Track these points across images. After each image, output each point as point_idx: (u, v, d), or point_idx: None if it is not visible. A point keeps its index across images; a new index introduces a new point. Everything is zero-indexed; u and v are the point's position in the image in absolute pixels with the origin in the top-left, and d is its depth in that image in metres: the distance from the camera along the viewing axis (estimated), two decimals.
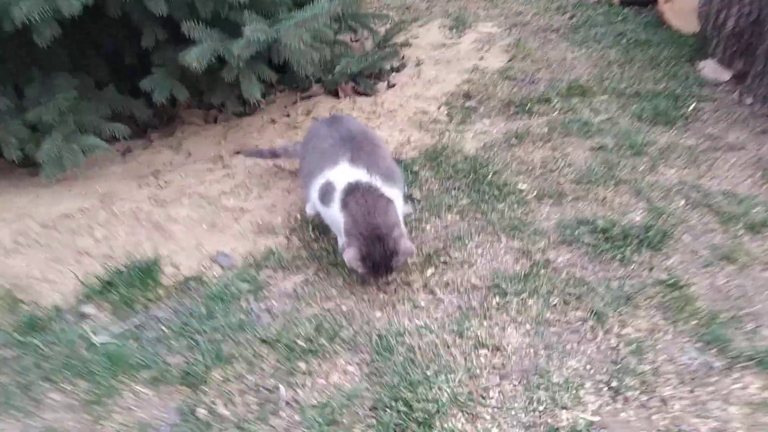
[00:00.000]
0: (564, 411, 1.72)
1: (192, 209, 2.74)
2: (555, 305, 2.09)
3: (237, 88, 3.21)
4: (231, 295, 2.23)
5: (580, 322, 2.02)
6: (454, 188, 2.77)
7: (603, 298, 2.09)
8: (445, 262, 2.33)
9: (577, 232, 2.39)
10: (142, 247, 2.48)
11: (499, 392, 1.81)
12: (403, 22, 4.73)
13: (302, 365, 1.94)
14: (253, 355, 1.97)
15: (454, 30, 4.69)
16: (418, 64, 4.18)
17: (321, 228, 2.54)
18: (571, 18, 4.61)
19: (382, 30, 4.29)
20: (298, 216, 2.65)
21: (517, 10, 5.02)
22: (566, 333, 2.00)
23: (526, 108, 3.38)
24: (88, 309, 2.23)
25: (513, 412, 1.75)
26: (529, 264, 2.27)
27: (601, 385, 1.80)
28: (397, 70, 4.13)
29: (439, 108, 3.53)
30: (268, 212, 2.71)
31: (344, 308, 2.16)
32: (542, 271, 2.22)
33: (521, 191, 2.69)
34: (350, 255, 2.07)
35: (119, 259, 2.43)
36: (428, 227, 2.54)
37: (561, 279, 2.19)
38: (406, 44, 4.42)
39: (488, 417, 1.74)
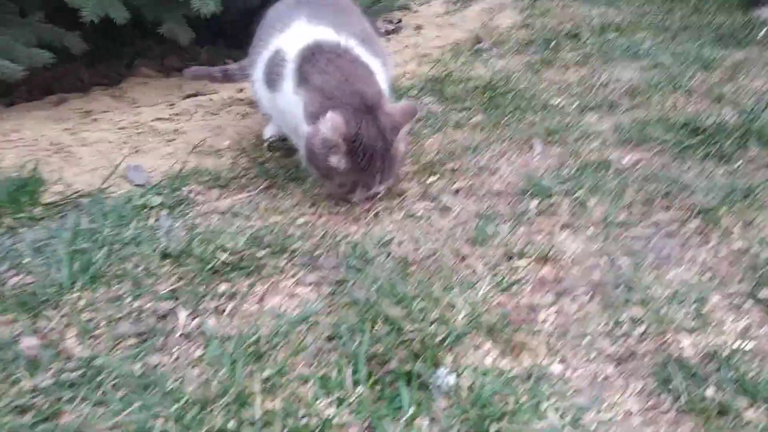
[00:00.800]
0: (685, 335, 0.93)
1: (111, 133, 2.02)
2: (631, 205, 1.33)
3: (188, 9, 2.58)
4: (134, 210, 1.47)
5: (677, 224, 1.26)
6: (465, 108, 2.05)
7: (707, 194, 1.33)
8: (453, 170, 1.58)
9: (646, 130, 1.65)
10: (29, 170, 1.75)
11: (555, 313, 1.03)
12: None
13: (223, 287, 1.16)
14: (146, 272, 1.20)
15: (459, 3, 4.12)
16: (418, 28, 3.57)
17: (284, 149, 1.82)
18: None
19: None
20: (253, 140, 1.93)
21: None
22: (657, 237, 1.23)
23: (550, 45, 2.71)
24: None
25: (586, 340, 0.96)
26: (580, 164, 1.51)
27: (738, 299, 1.02)
28: (394, 32, 3.52)
29: (442, 53, 2.87)
30: (213, 134, 1.99)
31: (301, 221, 1.40)
32: (601, 171, 1.47)
33: (556, 105, 1.97)
34: (331, 124, 1.30)
35: None
36: (428, 142, 1.80)
37: (633, 177, 1.44)
38: (404, 7, 3.84)
39: (541, 347, 0.95)
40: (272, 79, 1.54)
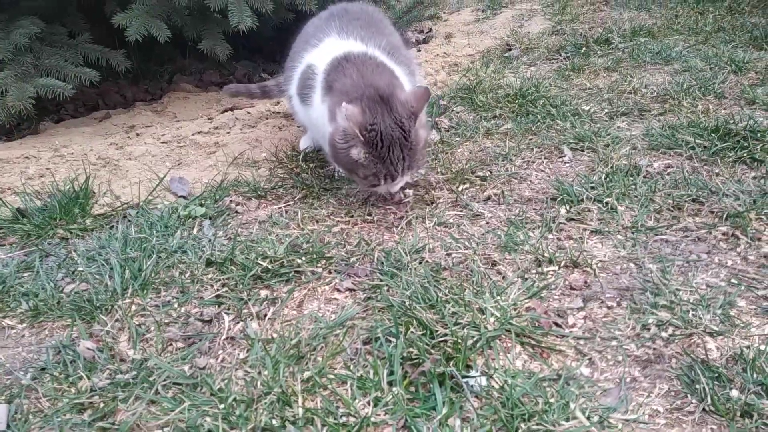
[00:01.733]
0: (711, 338, 0.95)
1: (155, 146, 2.12)
2: (660, 210, 1.34)
3: (228, 25, 2.69)
4: (179, 221, 1.56)
5: (705, 229, 1.27)
6: (494, 117, 2.09)
7: (736, 199, 1.33)
8: (483, 178, 1.62)
9: (676, 135, 1.65)
10: (79, 183, 1.86)
11: (584, 318, 1.06)
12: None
13: (264, 293, 1.22)
14: (191, 279, 1.27)
15: (488, 11, 4.15)
16: (448, 36, 3.62)
17: (318, 160, 1.88)
18: None
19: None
20: (289, 152, 2.00)
21: None
22: (685, 243, 1.24)
23: (581, 50, 2.72)
24: None
25: (614, 343, 0.98)
26: (610, 170, 1.53)
27: (766, 303, 1.03)
28: (424, 41, 3.58)
29: (472, 61, 2.91)
30: (251, 146, 2.07)
31: (336, 229, 1.45)
32: (631, 177, 1.49)
33: (586, 111, 1.99)
34: (346, 114, 1.34)
35: (47, 194, 1.80)
36: (459, 151, 1.84)
37: (663, 183, 1.45)
38: (434, 16, 3.89)
39: (570, 350, 0.98)
40: (305, 93, 1.61)
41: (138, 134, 2.44)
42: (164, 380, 0.99)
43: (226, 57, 2.81)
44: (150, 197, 1.72)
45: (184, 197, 1.74)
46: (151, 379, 0.99)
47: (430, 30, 3.74)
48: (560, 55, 2.77)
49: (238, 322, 1.14)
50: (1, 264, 1.41)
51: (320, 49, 1.61)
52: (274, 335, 1.08)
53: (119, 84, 3.34)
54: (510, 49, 2.97)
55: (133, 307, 1.20)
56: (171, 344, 1.10)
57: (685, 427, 0.82)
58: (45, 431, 0.92)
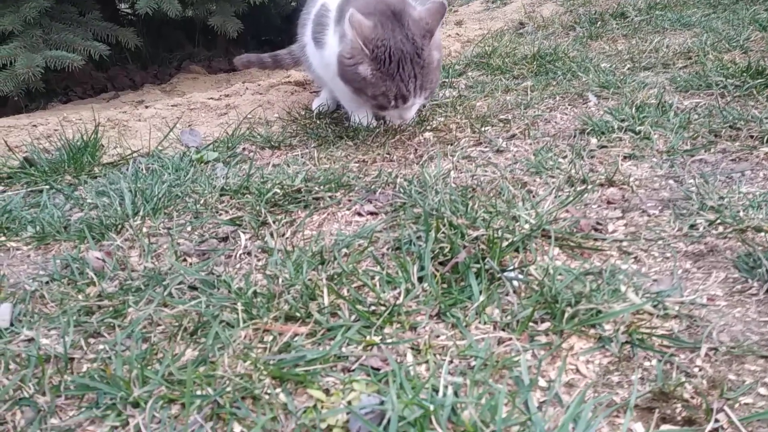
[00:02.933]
0: (760, 233, 0.88)
1: (165, 110, 2.08)
2: (695, 137, 1.28)
3: (240, 3, 2.67)
4: (190, 164, 1.50)
5: (745, 150, 1.20)
6: (513, 77, 2.04)
7: None
8: (506, 120, 1.56)
9: (705, 78, 1.60)
10: (88, 135, 1.81)
11: (624, 225, 0.99)
12: None
13: (281, 216, 1.16)
14: (204, 206, 1.21)
15: (498, 1, 4.14)
16: (459, 23, 3.60)
17: (332, 117, 1.83)
18: None
19: None
20: (302, 112, 1.95)
21: None
22: (725, 162, 1.17)
23: (596, 24, 2.68)
24: None
25: (660, 243, 0.91)
26: (638, 106, 1.47)
27: None
28: None
29: (484, 38, 2.87)
30: (263, 108, 2.03)
31: (354, 165, 1.40)
32: (660, 113, 1.43)
33: (607, 68, 1.94)
34: (351, 23, 1.28)
35: (55, 148, 1.75)
36: (478, 104, 1.79)
37: (695, 116, 1.39)
38: None
39: (612, 251, 0.91)
40: (318, 35, 1.56)
41: (147, 106, 2.40)
42: (178, 284, 0.92)
43: (237, 33, 2.79)
44: (160, 147, 1.66)
45: (196, 148, 1.69)
46: (164, 282, 0.93)
47: None
48: (575, 29, 2.73)
49: (256, 240, 1.08)
50: (5, 201, 1.35)
51: None
52: (295, 247, 1.02)
53: (128, 68, 3.33)
54: (523, 26, 2.93)
55: (144, 228, 1.13)
56: (185, 259, 1.04)
57: (749, 306, 0.75)
58: (51, 331, 0.85)
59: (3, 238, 1.16)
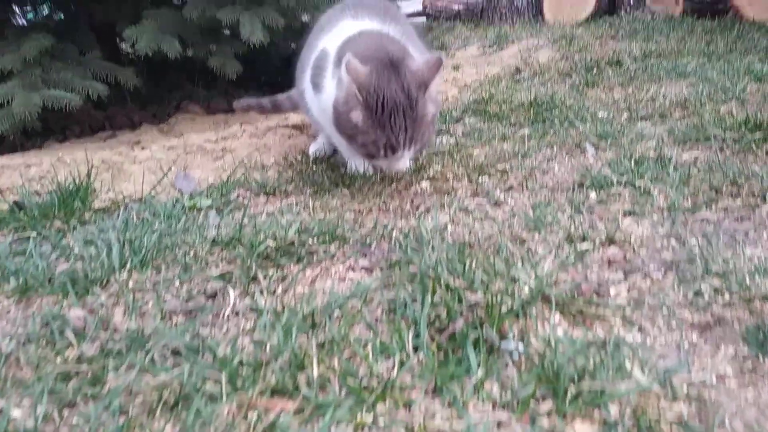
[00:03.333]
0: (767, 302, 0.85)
1: (160, 152, 2.06)
2: (696, 194, 1.26)
3: (240, 46, 2.69)
4: (183, 211, 1.47)
5: (747, 209, 1.18)
6: (510, 124, 2.03)
7: None
8: (503, 171, 1.54)
9: (703, 130, 1.59)
10: (81, 178, 1.78)
11: (628, 288, 0.95)
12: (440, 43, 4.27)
13: (272, 271, 1.12)
14: (194, 258, 1.18)
15: (495, 46, 4.19)
16: (456, 67, 3.63)
17: (329, 162, 1.82)
18: (629, 24, 4.05)
19: None
20: (299, 157, 1.94)
21: (565, 32, 4.53)
22: (728, 221, 1.15)
23: (593, 71, 2.70)
24: None
25: (665, 311, 0.88)
26: (638, 159, 1.46)
27: None
28: None
29: (482, 83, 2.89)
30: (259, 152, 2.01)
31: (349, 216, 1.37)
32: (660, 167, 1.41)
33: (605, 117, 1.94)
34: (346, 67, 1.27)
35: (46, 192, 1.73)
36: (476, 152, 1.78)
37: (695, 170, 1.37)
38: (441, 48, 3.92)
39: (616, 318, 0.87)
40: (317, 78, 1.55)
41: (143, 147, 2.39)
42: (161, 347, 0.88)
43: (236, 75, 2.80)
44: (154, 192, 1.64)
45: (190, 194, 1.66)
46: (146, 346, 0.89)
47: None
48: (571, 76, 2.75)
49: (245, 297, 1.04)
50: None
51: (333, 33, 1.57)
52: (285, 307, 0.98)
53: (127, 108, 3.33)
54: (520, 73, 2.95)
55: (131, 283, 1.10)
56: (171, 317, 1.00)
57: (762, 387, 0.71)
58: (23, 400, 0.81)
59: None
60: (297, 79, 1.86)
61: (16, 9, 3.28)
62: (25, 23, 3.57)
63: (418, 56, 1.46)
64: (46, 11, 3.44)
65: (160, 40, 2.56)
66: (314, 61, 1.56)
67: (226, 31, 2.71)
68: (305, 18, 2.82)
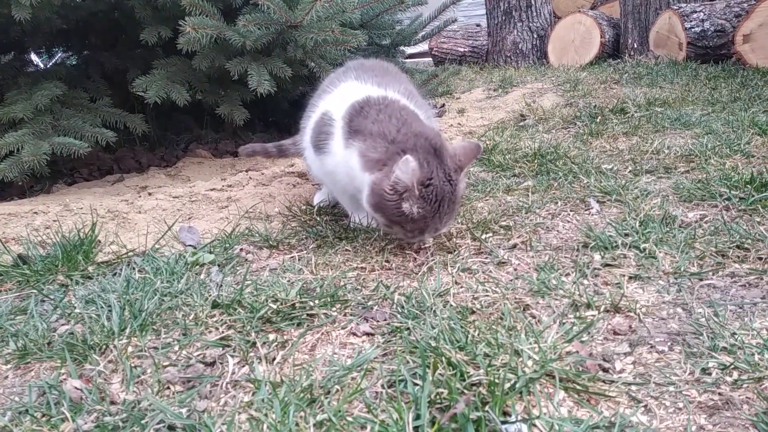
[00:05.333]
0: None
1: (166, 201, 2.08)
2: (702, 257, 1.25)
3: (247, 93, 2.73)
4: (185, 267, 1.47)
5: (755, 275, 1.16)
6: (514, 175, 2.04)
7: None
8: (507, 227, 1.54)
9: (708, 188, 1.58)
10: (85, 231, 1.79)
11: (633, 363, 0.94)
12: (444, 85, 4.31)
13: (273, 336, 1.11)
14: (195, 321, 1.17)
15: (500, 89, 4.25)
16: (461, 111, 3.67)
17: (333, 214, 1.82)
18: (633, 69, 4.10)
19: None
20: (303, 207, 1.94)
21: (570, 76, 4.59)
22: (735, 288, 1.13)
23: (596, 119, 2.72)
24: None
25: (672, 388, 0.86)
26: (642, 219, 1.45)
27: None
28: (438, 115, 3.62)
29: (487, 130, 2.91)
30: (264, 201, 2.02)
31: (352, 275, 1.36)
32: (667, 226, 1.40)
33: (609, 169, 1.94)
34: (408, 168, 1.27)
35: (50, 243, 1.73)
36: (480, 205, 1.78)
37: (701, 231, 1.36)
38: (447, 93, 3.97)
39: (621, 397, 0.85)
40: (320, 141, 1.56)
41: (150, 193, 2.41)
42: (158, 423, 0.86)
43: (243, 122, 2.84)
44: (157, 245, 1.64)
45: (193, 246, 1.67)
46: (143, 422, 0.87)
47: (443, 105, 3.80)
48: (575, 124, 2.77)
49: (244, 365, 1.03)
50: None
51: (335, 95, 1.59)
52: (284, 378, 0.96)
53: (135, 150, 3.37)
54: (524, 119, 2.98)
55: (130, 348, 1.09)
56: (168, 387, 0.98)
57: None
58: None
59: None
60: (300, 133, 1.88)
61: (33, 57, 3.36)
62: (40, 68, 3.66)
63: (431, 124, 1.49)
64: (58, 59, 3.53)
65: (170, 89, 2.60)
66: (316, 123, 1.58)
67: (236, 83, 2.76)
68: (311, 64, 2.87)
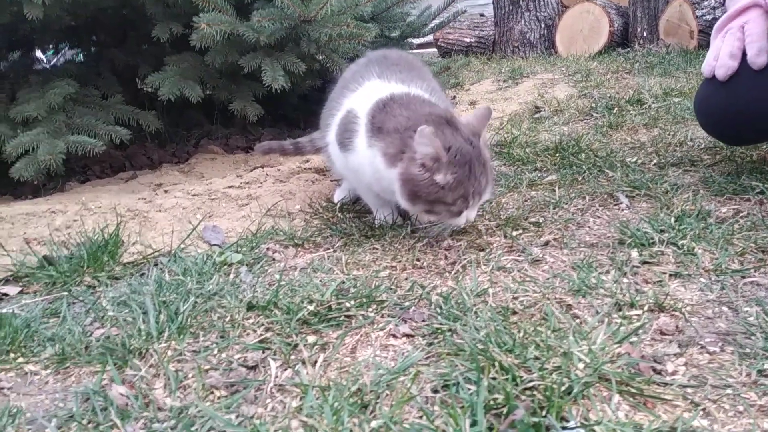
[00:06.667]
0: None
1: (185, 199, 2.06)
2: (742, 254, 1.23)
3: (260, 88, 2.71)
4: (214, 267, 1.46)
5: None
6: (536, 169, 2.02)
7: None
8: (537, 224, 1.52)
9: (740, 181, 1.57)
10: (109, 231, 1.77)
11: (685, 364, 0.92)
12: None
13: (312, 338, 1.10)
14: (231, 324, 1.16)
15: (510, 80, 4.21)
16: (472, 103, 3.64)
17: (356, 210, 1.81)
18: (643, 58, 4.06)
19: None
20: (324, 203, 1.93)
21: (580, 66, 4.55)
22: None
23: (613, 111, 2.70)
24: (8, 289, 1.48)
25: (729, 391, 0.85)
26: (676, 215, 1.43)
27: None
28: None
29: (502, 123, 2.89)
30: (284, 199, 2.01)
31: (384, 274, 1.35)
32: (699, 223, 1.39)
33: (633, 163, 1.92)
34: (424, 137, 1.28)
35: (74, 244, 1.72)
36: (504, 200, 1.76)
37: (737, 227, 1.35)
38: (457, 85, 3.94)
39: (677, 400, 0.84)
40: (345, 139, 1.55)
41: (166, 191, 2.39)
42: (208, 429, 0.85)
43: (256, 118, 2.82)
44: (182, 245, 1.63)
45: (218, 245, 1.65)
46: (192, 428, 0.86)
47: (454, 97, 3.77)
48: (592, 115, 2.74)
49: (286, 369, 1.02)
50: (25, 310, 1.31)
51: (360, 93, 1.58)
52: (330, 383, 0.95)
53: (146, 146, 3.35)
54: (539, 111, 2.95)
55: (169, 352, 1.08)
56: (212, 392, 0.97)
57: None
58: None
59: (22, 360, 1.10)
60: (321, 129, 1.86)
61: (40, 55, 3.33)
62: (47, 65, 3.63)
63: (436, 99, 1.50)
64: (68, 56, 3.51)
65: (183, 86, 2.58)
66: (341, 120, 1.57)
67: (248, 79, 2.73)
68: (323, 58, 2.84)
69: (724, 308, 1.06)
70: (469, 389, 0.86)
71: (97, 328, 1.20)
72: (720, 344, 0.96)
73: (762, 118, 1.47)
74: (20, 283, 1.51)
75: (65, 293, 1.37)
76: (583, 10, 5.06)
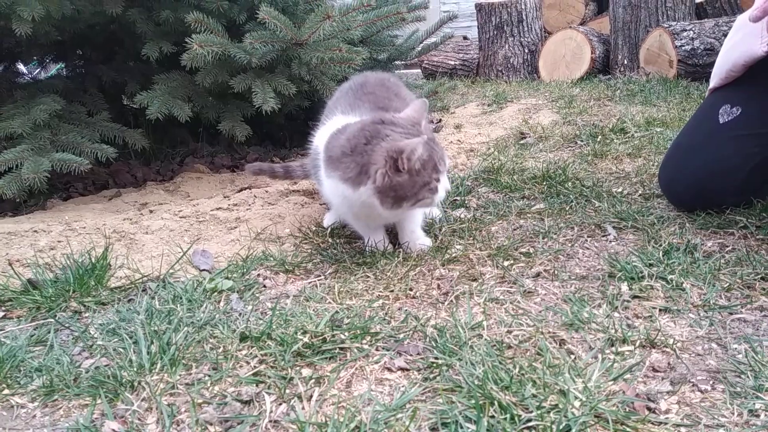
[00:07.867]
0: None
1: (172, 221, 2.04)
2: (729, 289, 1.26)
3: (248, 108, 2.71)
4: (204, 294, 1.45)
5: None
6: (524, 197, 2.05)
7: None
8: (528, 254, 1.54)
9: (725, 215, 1.61)
10: (96, 254, 1.75)
11: (677, 402, 0.94)
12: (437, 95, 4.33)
13: (306, 372, 1.10)
14: (224, 355, 1.15)
15: (494, 105, 4.26)
16: (458, 126, 3.69)
17: (346, 235, 1.81)
18: (625, 86, 4.16)
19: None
20: (313, 227, 1.93)
21: (563, 92, 4.64)
22: (766, 322, 1.14)
23: (597, 139, 2.75)
24: None
25: (722, 431, 0.86)
26: (664, 248, 1.46)
27: None
28: (435, 131, 3.63)
29: (488, 148, 2.93)
30: (273, 222, 2.00)
31: (377, 304, 1.35)
32: (686, 257, 1.42)
33: (619, 194, 1.96)
34: (382, 154, 1.40)
35: (59, 266, 1.69)
36: (494, 228, 1.78)
37: (724, 261, 1.38)
38: (443, 108, 3.98)
39: None
40: (315, 173, 1.64)
41: (151, 211, 2.36)
42: None
43: (245, 138, 2.81)
44: (171, 270, 1.61)
45: (208, 271, 1.64)
46: None
47: (440, 120, 3.81)
48: (576, 143, 2.79)
49: (281, 404, 1.01)
50: (10, 337, 1.28)
51: (322, 131, 1.66)
52: (327, 419, 0.95)
53: (130, 164, 3.32)
54: (524, 137, 3.00)
55: (162, 385, 1.06)
56: (207, 428, 0.96)
57: None
58: None
59: (8, 391, 1.08)
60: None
61: (22, 67, 3.29)
62: (30, 79, 3.58)
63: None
64: (51, 69, 3.47)
65: (171, 105, 2.57)
66: (311, 154, 1.64)
67: (236, 99, 2.73)
68: (311, 79, 2.85)
69: (714, 345, 1.08)
70: (469, 428, 0.87)
71: (86, 357, 1.18)
72: (711, 382, 0.98)
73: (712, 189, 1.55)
74: (3, 308, 1.47)
75: (51, 319, 1.35)
76: (565, 37, 5.17)
